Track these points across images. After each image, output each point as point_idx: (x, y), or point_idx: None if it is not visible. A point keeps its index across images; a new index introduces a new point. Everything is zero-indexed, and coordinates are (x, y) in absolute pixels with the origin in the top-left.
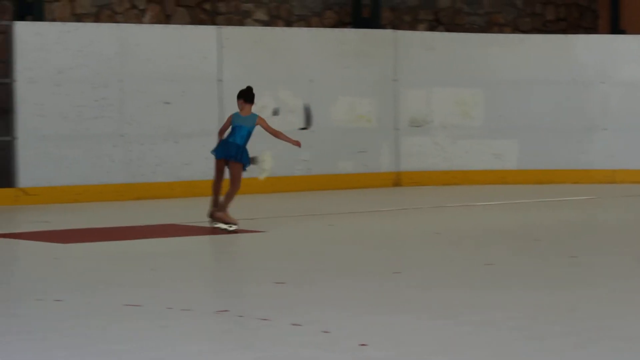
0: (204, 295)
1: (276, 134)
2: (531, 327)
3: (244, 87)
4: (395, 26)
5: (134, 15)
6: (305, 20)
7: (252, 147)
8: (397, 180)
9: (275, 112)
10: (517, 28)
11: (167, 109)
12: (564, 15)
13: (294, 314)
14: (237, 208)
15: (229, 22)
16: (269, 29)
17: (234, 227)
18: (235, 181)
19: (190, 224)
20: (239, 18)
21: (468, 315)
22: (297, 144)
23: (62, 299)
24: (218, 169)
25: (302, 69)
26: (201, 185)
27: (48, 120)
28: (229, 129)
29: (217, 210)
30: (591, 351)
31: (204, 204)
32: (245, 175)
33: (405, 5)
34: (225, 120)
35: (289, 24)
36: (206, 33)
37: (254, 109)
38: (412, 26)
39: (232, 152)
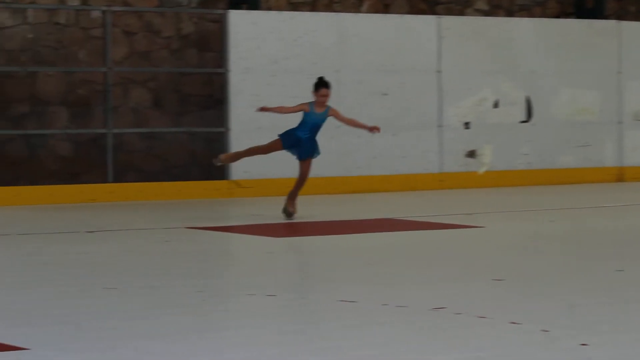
0: (419, 291)
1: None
2: None
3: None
4: (619, 17)
5: (352, 4)
6: (527, 10)
7: (472, 142)
8: (621, 175)
9: (496, 104)
10: None
11: (385, 101)
12: None
13: (512, 312)
14: (455, 202)
15: (449, 12)
16: (489, 19)
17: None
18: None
19: (407, 219)
20: (459, 8)
21: None
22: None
23: (275, 294)
24: None
25: (523, 60)
26: (418, 179)
27: None
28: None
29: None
30: None
31: (423, 198)
32: (463, 169)
33: None
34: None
35: (510, 13)
36: (426, 23)
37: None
38: (637, 17)
39: None
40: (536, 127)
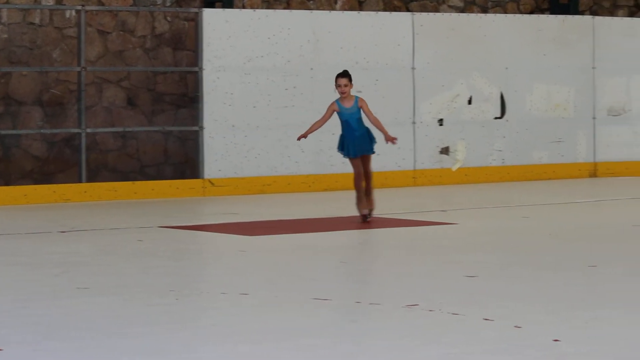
0: (393, 288)
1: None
2: None
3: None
4: (593, 12)
5: (326, 2)
6: (501, 7)
7: (446, 138)
8: (594, 171)
9: (470, 101)
10: None
11: None
12: None
13: (485, 309)
14: (429, 199)
15: (423, 9)
16: (464, 15)
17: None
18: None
19: (381, 216)
20: (434, 4)
21: None
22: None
23: (248, 293)
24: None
25: (497, 56)
26: (392, 176)
27: (236, 109)
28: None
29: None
30: None
31: (396, 195)
32: (437, 166)
33: None
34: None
35: (484, 10)
36: (400, 20)
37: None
38: (611, 12)
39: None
40: (510, 123)
